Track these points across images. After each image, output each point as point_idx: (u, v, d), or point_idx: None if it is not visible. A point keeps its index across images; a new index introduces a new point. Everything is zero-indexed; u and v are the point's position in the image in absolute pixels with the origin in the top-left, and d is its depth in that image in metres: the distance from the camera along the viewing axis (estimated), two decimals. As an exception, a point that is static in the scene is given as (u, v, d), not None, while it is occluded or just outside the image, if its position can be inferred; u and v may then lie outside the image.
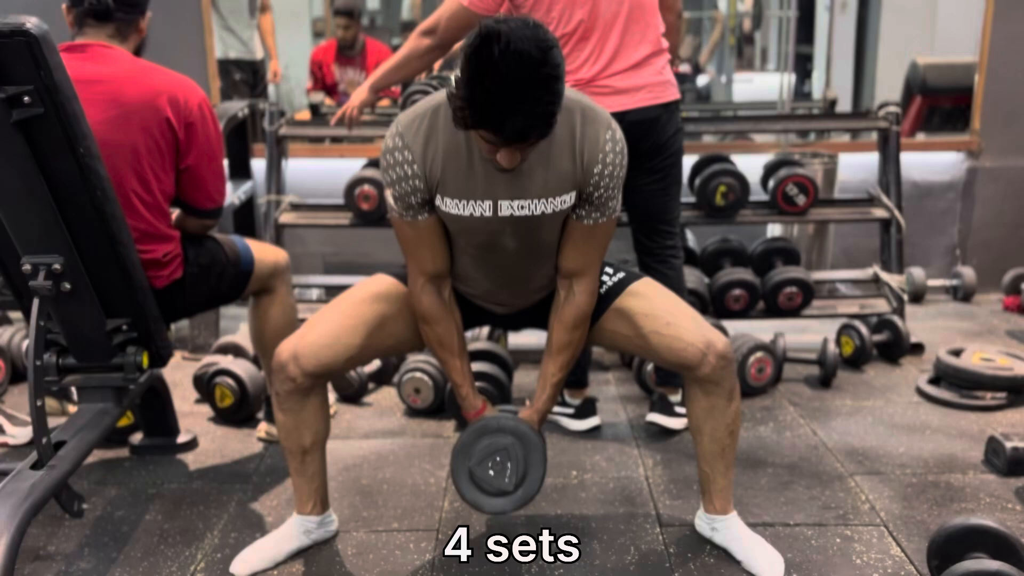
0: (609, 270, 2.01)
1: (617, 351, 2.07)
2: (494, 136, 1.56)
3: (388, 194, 1.81)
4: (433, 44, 2.55)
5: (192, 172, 2.16)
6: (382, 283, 1.99)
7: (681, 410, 2.69)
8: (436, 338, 1.93)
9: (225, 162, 3.71)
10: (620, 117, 2.37)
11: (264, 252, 2.45)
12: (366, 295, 1.96)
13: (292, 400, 1.92)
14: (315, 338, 1.89)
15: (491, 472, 1.86)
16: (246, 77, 4.93)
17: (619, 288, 1.97)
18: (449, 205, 1.78)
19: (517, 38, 1.48)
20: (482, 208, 1.76)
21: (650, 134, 2.47)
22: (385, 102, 4.97)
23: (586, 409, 2.74)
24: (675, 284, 2.63)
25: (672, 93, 2.50)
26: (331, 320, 1.92)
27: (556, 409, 2.78)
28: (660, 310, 1.92)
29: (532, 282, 1.96)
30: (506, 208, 1.77)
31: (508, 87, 1.48)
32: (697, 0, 6.89)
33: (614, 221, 1.87)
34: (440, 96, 1.75)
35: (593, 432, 2.72)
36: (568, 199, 1.78)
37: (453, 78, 1.57)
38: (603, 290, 1.97)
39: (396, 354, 2.05)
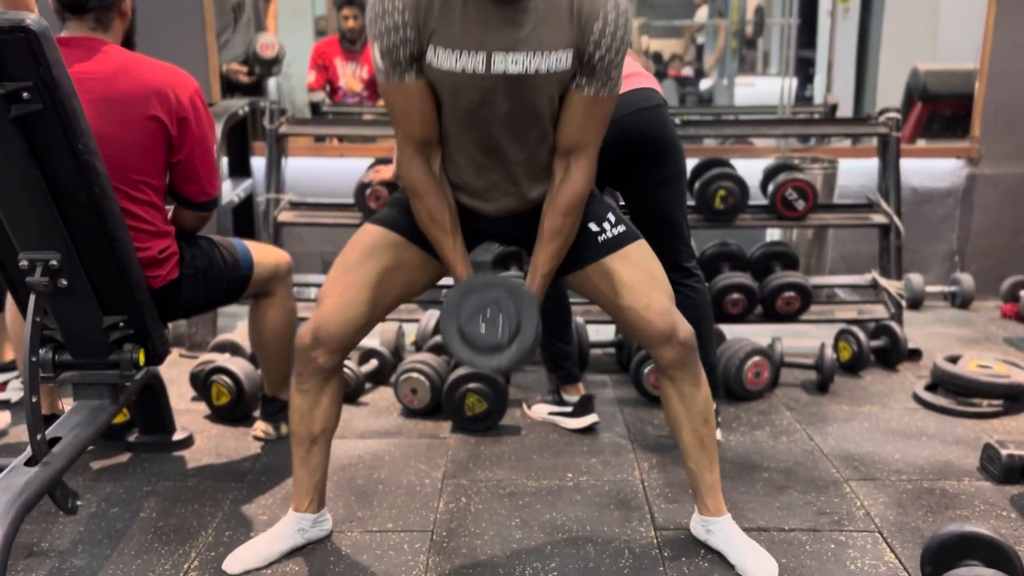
0: (612, 218, 1.97)
1: (590, 300, 2.05)
2: None
3: (376, 49, 1.73)
4: None
5: (184, 166, 2.15)
6: (371, 235, 1.95)
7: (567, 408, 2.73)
8: (427, 212, 1.86)
9: (224, 160, 3.73)
10: (627, 103, 2.34)
11: (265, 255, 2.44)
12: (360, 254, 1.93)
13: (313, 380, 1.93)
14: (328, 316, 1.88)
15: (483, 327, 1.76)
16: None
17: (615, 244, 1.94)
18: (440, 58, 1.71)
19: None
20: (475, 62, 1.71)
21: (655, 122, 2.41)
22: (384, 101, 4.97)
23: (584, 406, 2.74)
24: (705, 300, 2.58)
25: (659, 87, 2.52)
26: (337, 293, 1.90)
27: (554, 409, 2.78)
28: (644, 287, 1.91)
29: (523, 160, 1.87)
30: (499, 62, 1.71)
31: None
32: (689, 9, 6.90)
33: (615, 98, 1.81)
34: None
35: (589, 434, 2.72)
36: (564, 58, 1.73)
37: None
38: (600, 238, 1.94)
39: (407, 300, 2.01)
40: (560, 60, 1.73)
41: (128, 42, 2.19)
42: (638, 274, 1.93)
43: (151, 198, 2.13)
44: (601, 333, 3.50)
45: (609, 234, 1.95)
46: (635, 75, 2.45)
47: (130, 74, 2.05)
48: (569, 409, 2.76)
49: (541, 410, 2.82)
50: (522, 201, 1.93)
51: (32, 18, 1.71)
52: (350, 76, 4.90)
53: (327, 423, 2.00)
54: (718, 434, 2.66)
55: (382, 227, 1.96)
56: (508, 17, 1.69)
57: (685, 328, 1.91)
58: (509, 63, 1.71)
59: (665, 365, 1.94)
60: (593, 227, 1.94)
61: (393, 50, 1.71)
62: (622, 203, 3.00)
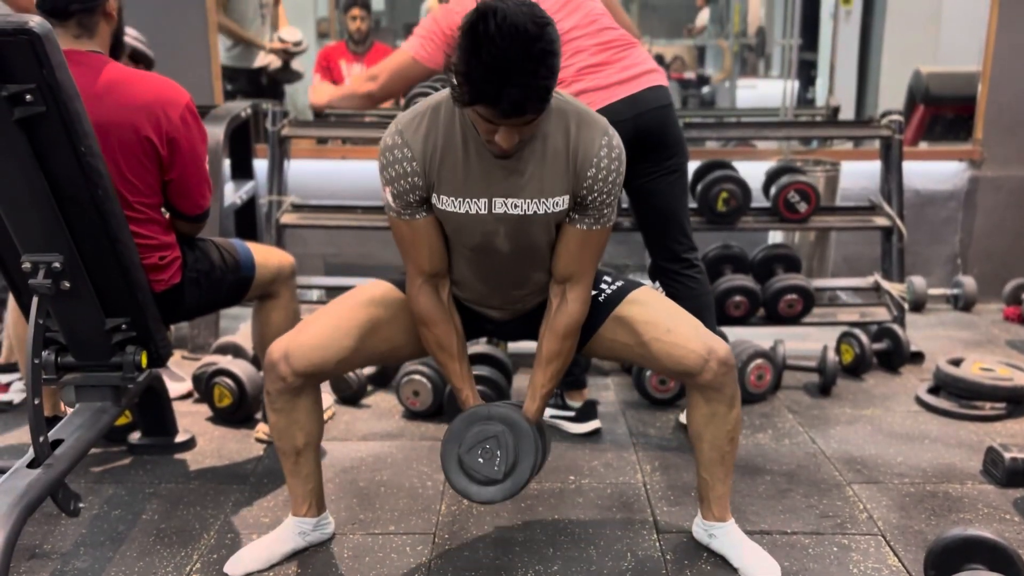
0: (608, 279, 2.00)
1: (617, 361, 2.06)
2: (491, 111, 1.57)
3: (386, 193, 1.81)
4: (371, 91, 2.66)
5: (176, 183, 2.13)
6: (379, 288, 1.99)
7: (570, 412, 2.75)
8: (435, 340, 1.92)
9: (227, 161, 3.73)
10: (640, 104, 2.43)
11: (268, 257, 2.44)
12: (362, 299, 1.96)
13: (283, 399, 1.92)
14: (307, 339, 1.89)
15: (480, 460, 1.82)
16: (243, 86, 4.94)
17: (618, 297, 1.96)
18: (445, 203, 1.78)
19: (513, 13, 1.51)
20: (477, 206, 1.77)
21: (668, 119, 2.50)
22: (388, 103, 4.99)
23: (587, 412, 2.74)
24: (707, 291, 2.63)
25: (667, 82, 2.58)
26: (324, 322, 1.92)
27: (556, 413, 2.78)
28: (660, 317, 1.92)
29: (525, 287, 1.95)
30: (500, 205, 1.77)
31: (505, 60, 1.50)
32: (691, 12, 6.92)
33: (608, 231, 1.87)
34: (439, 96, 1.77)
35: (591, 437, 2.72)
36: (561, 202, 1.78)
37: (452, 56, 1.58)
38: (602, 299, 1.96)
39: (390, 362, 2.05)
40: (557, 204, 1.79)
41: (116, 43, 2.14)
42: (650, 311, 1.93)
43: (149, 215, 2.12)
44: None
45: (609, 291, 1.98)
46: (649, 72, 2.50)
47: (118, 95, 2.01)
48: (571, 414, 2.75)
49: (545, 412, 2.81)
50: (526, 306, 2.00)
51: (35, 20, 1.72)
52: (355, 77, 4.91)
53: (308, 436, 1.99)
54: (682, 417, 2.70)
55: (393, 285, 2.00)
56: (509, 166, 1.74)
57: (722, 345, 1.88)
58: (509, 207, 1.78)
59: (704, 386, 1.90)
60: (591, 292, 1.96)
61: (404, 195, 1.78)
62: (624, 206, 3.01)
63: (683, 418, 2.71)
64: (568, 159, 1.75)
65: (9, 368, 2.90)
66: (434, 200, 1.79)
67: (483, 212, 1.78)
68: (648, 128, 2.45)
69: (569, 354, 1.93)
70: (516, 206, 1.77)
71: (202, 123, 2.16)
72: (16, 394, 2.89)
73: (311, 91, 2.88)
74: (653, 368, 2.00)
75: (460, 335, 1.95)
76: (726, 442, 1.97)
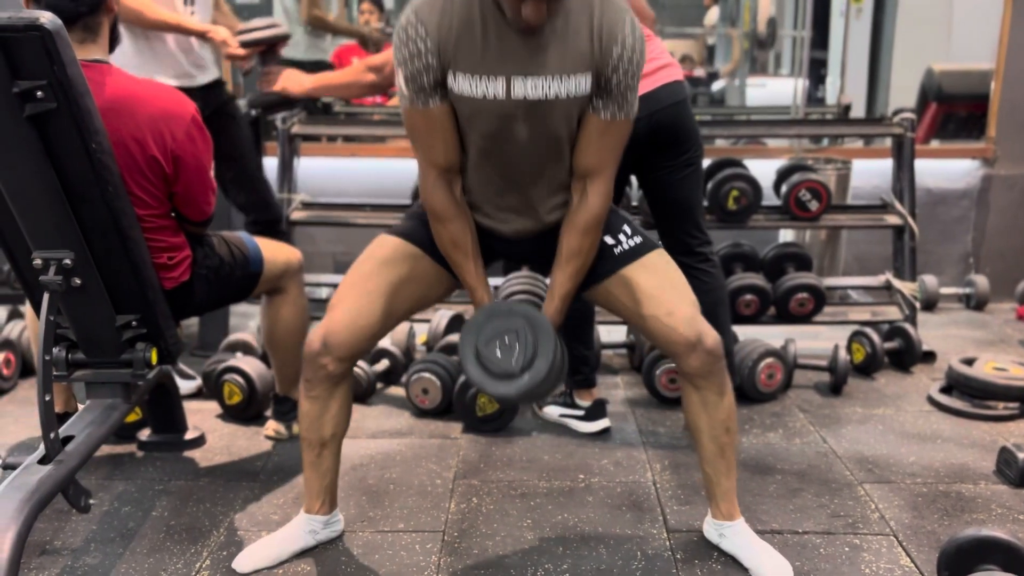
0: (627, 229, 1.97)
1: (612, 312, 2.05)
2: None
3: (399, 75, 1.77)
4: (376, 82, 2.65)
5: (181, 196, 2.13)
6: (387, 245, 1.97)
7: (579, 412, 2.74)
8: (449, 237, 1.88)
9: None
10: (656, 101, 2.41)
11: (276, 252, 2.44)
12: (375, 264, 1.94)
13: (322, 387, 1.93)
14: (339, 324, 1.88)
15: (498, 352, 1.78)
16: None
17: (633, 255, 1.94)
18: (461, 84, 1.74)
19: None
20: (495, 87, 1.73)
21: (683, 115, 2.50)
22: (395, 100, 5.00)
23: (596, 411, 2.73)
24: (722, 284, 2.63)
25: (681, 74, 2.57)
26: (350, 301, 1.91)
27: (565, 411, 2.77)
28: (665, 294, 1.90)
29: (541, 185, 1.90)
30: (519, 87, 1.73)
31: None
32: (700, 11, 6.88)
33: (630, 123, 1.83)
34: None
35: (601, 436, 2.71)
36: (584, 82, 1.75)
37: None
38: (617, 251, 1.94)
39: (419, 311, 2.03)
40: (579, 84, 1.75)
41: (114, 36, 2.13)
42: (658, 282, 1.92)
43: (158, 223, 2.12)
44: (613, 334, 3.49)
45: (625, 246, 1.95)
46: (667, 67, 2.49)
47: (123, 111, 1.99)
48: (581, 413, 2.75)
49: (552, 412, 2.81)
50: (539, 223, 1.95)
51: (47, 17, 1.72)
52: (353, 67, 4.91)
53: (337, 428, 1.99)
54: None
55: (399, 238, 1.97)
56: (528, 42, 1.71)
57: (712, 336, 1.88)
58: (528, 89, 1.73)
59: (691, 373, 1.91)
60: (608, 240, 1.94)
61: (417, 76, 1.74)
62: (635, 204, 3.00)
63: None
64: (592, 36, 1.72)
65: None
66: (449, 81, 1.75)
67: (500, 95, 1.74)
68: (663, 124, 2.45)
69: (590, 252, 1.89)
70: (536, 87, 1.73)
71: (207, 132, 2.15)
72: None
73: (283, 77, 2.80)
74: (643, 334, 1.98)
75: (474, 234, 1.91)
76: (723, 432, 1.96)
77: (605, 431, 2.73)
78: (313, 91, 2.81)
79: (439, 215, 1.88)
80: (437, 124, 1.80)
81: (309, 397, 1.95)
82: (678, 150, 2.51)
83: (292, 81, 2.79)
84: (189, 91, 2.90)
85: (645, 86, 2.41)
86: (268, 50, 2.90)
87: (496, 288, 2.03)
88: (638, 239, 1.97)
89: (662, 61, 2.49)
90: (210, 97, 2.99)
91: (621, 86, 1.76)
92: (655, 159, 2.49)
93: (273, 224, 3.17)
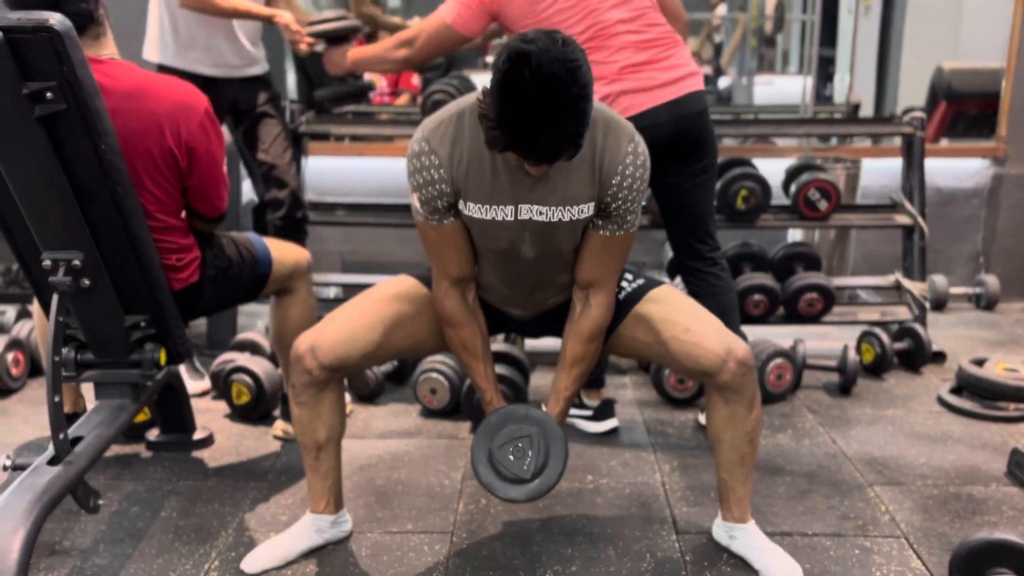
0: (628, 276, 2.00)
1: (636, 359, 2.06)
2: (525, 158, 1.62)
3: (414, 198, 1.82)
4: (407, 57, 2.63)
5: (195, 190, 2.14)
6: (404, 284, 2.00)
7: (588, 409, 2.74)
8: (460, 342, 1.93)
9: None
10: (681, 108, 2.41)
11: (285, 252, 2.44)
12: (387, 294, 1.97)
13: (308, 393, 1.93)
14: (333, 332, 1.90)
15: (511, 457, 1.83)
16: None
17: (638, 295, 1.96)
18: (472, 210, 1.79)
19: (547, 60, 1.50)
20: (503, 213, 1.78)
21: (705, 124, 2.49)
22: (404, 99, 5.00)
23: (604, 411, 2.73)
24: (731, 288, 2.63)
25: (704, 85, 2.55)
26: (350, 316, 1.93)
27: (573, 411, 2.77)
28: (680, 315, 1.91)
29: (549, 289, 1.96)
30: (526, 212, 1.78)
31: (540, 111, 1.52)
32: (706, 9, 6.85)
33: (632, 236, 1.87)
34: (465, 101, 1.77)
35: (609, 436, 2.70)
36: (587, 209, 1.79)
37: (481, 95, 1.61)
38: (621, 296, 1.96)
39: (414, 355, 2.08)
40: (582, 211, 1.79)
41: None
42: (671, 309, 1.93)
43: (169, 223, 2.12)
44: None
45: (629, 289, 1.98)
46: (690, 76, 2.47)
47: (138, 106, 2.00)
48: (589, 413, 2.74)
49: None
50: (549, 307, 2.02)
51: (56, 18, 1.72)
52: (383, 42, 4.94)
53: (331, 431, 2.00)
54: (701, 418, 2.67)
55: (418, 281, 2.01)
56: (536, 176, 1.74)
57: (742, 346, 1.87)
58: (535, 214, 1.79)
59: (723, 387, 1.89)
60: None
61: (431, 200, 1.79)
62: (644, 203, 2.99)
63: (702, 419, 2.69)
64: (594, 166, 1.75)
65: None
66: (461, 207, 1.80)
67: (509, 219, 1.79)
68: (686, 132, 2.44)
69: (593, 357, 1.93)
70: (541, 213, 1.78)
71: (219, 125, 2.16)
72: None
73: (325, 58, 2.81)
74: (672, 367, 1.99)
75: (485, 337, 1.96)
76: (746, 443, 1.95)
77: (613, 431, 2.72)
78: (353, 67, 2.81)
79: (451, 321, 1.92)
80: (450, 239, 1.85)
81: (297, 403, 1.96)
82: (695, 157, 2.50)
83: (332, 64, 2.81)
84: (230, 81, 2.91)
85: (671, 93, 2.41)
86: (335, 40, 2.88)
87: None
88: (640, 281, 2.00)
89: (689, 68, 2.47)
90: (252, 90, 3.00)
91: (620, 210, 1.80)
92: (672, 165, 2.48)
93: (300, 223, 3.16)
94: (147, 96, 2.02)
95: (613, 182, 1.76)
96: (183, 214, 2.20)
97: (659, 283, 2.00)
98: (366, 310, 1.94)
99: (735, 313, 2.62)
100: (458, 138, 1.75)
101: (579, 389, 1.97)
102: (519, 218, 1.79)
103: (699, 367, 1.87)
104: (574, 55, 1.53)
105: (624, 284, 1.98)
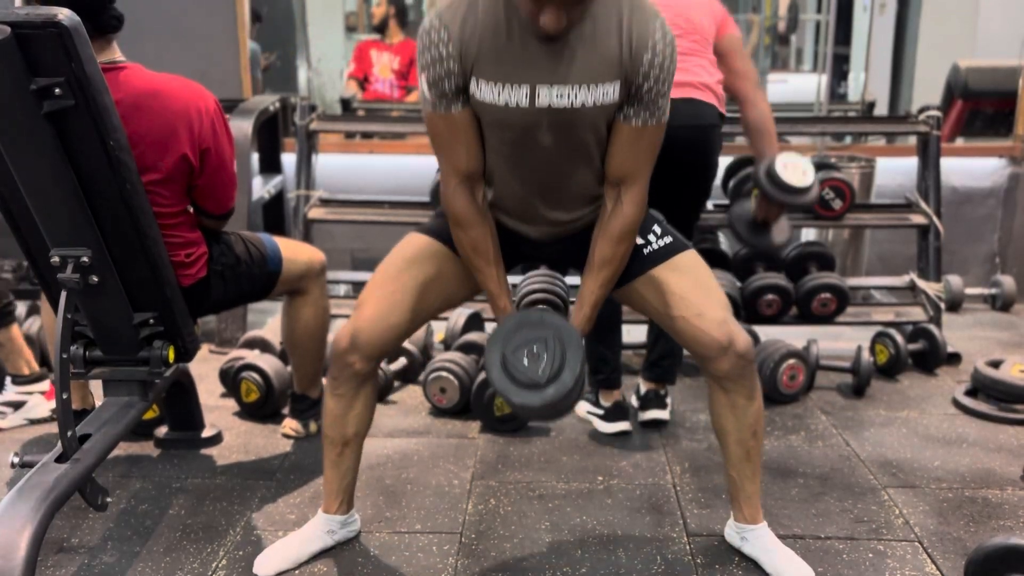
0: (657, 229, 1.94)
1: (641, 313, 2.02)
2: None
3: (422, 80, 1.74)
4: None
5: (203, 189, 2.13)
6: (416, 244, 1.96)
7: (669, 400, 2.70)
8: (470, 243, 1.86)
9: (255, 155, 3.73)
10: (683, 119, 2.36)
11: (297, 253, 2.43)
12: (404, 262, 1.93)
13: (348, 386, 1.92)
14: (367, 322, 1.87)
15: (525, 361, 1.76)
16: None
17: (662, 255, 1.90)
18: (484, 91, 1.71)
19: None
20: (518, 95, 1.70)
21: (708, 143, 2.47)
22: (416, 95, 4.99)
23: (615, 413, 2.70)
24: None
25: (722, 105, 2.49)
26: (378, 299, 1.89)
27: (591, 408, 2.75)
28: (695, 295, 1.86)
29: (568, 190, 1.87)
30: (544, 96, 1.70)
31: None
32: (732, 1, 6.80)
33: (663, 127, 1.78)
34: None
35: (620, 437, 2.68)
36: (611, 91, 1.70)
37: None
38: (646, 252, 1.91)
39: (446, 310, 2.01)
40: (607, 93, 1.70)
41: None
42: (688, 284, 1.88)
43: (178, 220, 2.12)
44: (633, 334, 3.45)
45: (655, 246, 1.92)
46: (692, 86, 2.45)
47: (155, 107, 1.99)
48: (601, 412, 2.72)
49: (581, 406, 2.78)
50: (567, 227, 1.93)
51: (64, 14, 1.71)
52: (383, 65, 4.96)
53: (360, 427, 1.98)
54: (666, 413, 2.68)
55: (427, 236, 1.96)
56: (554, 49, 1.67)
57: (744, 338, 1.85)
58: (554, 97, 1.69)
59: (721, 376, 1.87)
60: (639, 240, 1.91)
61: (439, 81, 1.71)
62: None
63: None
64: (621, 43, 1.68)
65: (25, 379, 2.84)
66: (472, 88, 1.72)
67: (524, 103, 1.70)
68: (690, 144, 2.42)
69: (623, 260, 1.86)
70: (561, 95, 1.69)
71: (228, 124, 2.15)
72: (32, 409, 2.77)
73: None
74: (673, 337, 1.95)
75: (495, 239, 1.88)
76: (750, 436, 1.93)
77: (624, 434, 2.70)
78: None
79: (460, 221, 1.85)
80: (459, 130, 1.77)
81: (335, 395, 1.94)
82: (700, 170, 2.50)
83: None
84: None
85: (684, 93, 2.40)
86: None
87: (514, 286, 2.00)
88: (668, 239, 1.93)
89: (700, 80, 2.47)
90: None
91: (652, 93, 1.71)
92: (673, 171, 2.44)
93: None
94: (158, 97, 2.01)
95: (645, 59, 1.67)
96: (190, 208, 2.19)
97: (686, 246, 1.94)
98: (390, 287, 1.89)
99: None
100: (471, 12, 1.68)
101: (606, 293, 1.88)
102: (536, 104, 1.69)
103: (698, 351, 1.86)
104: None
105: (651, 238, 1.92)
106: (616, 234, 1.82)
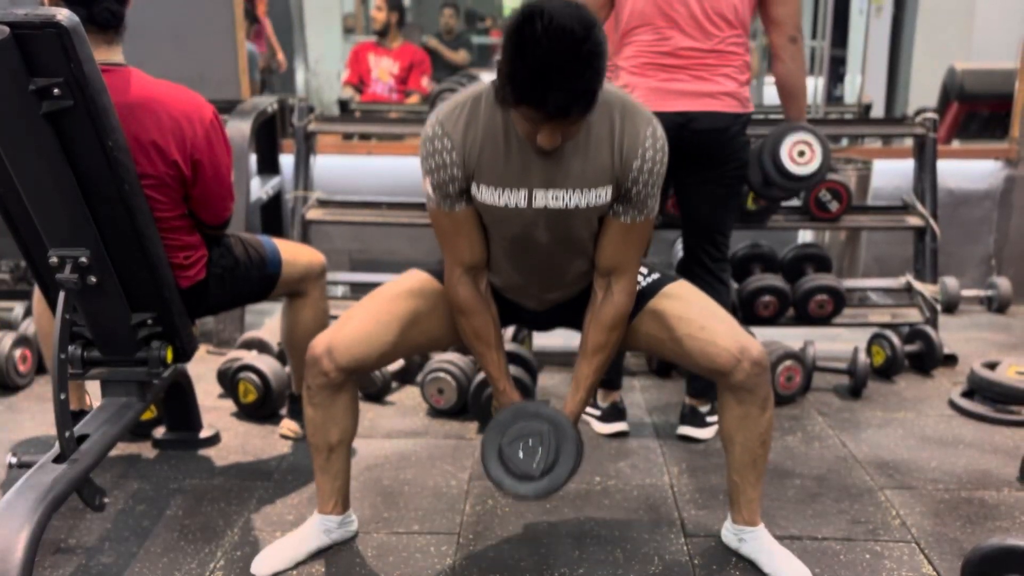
0: (644, 271, 1.98)
1: (650, 354, 2.04)
2: (536, 112, 1.57)
3: (426, 183, 1.80)
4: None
5: (198, 199, 2.13)
6: (416, 279, 1.99)
7: (712, 419, 2.65)
8: (472, 330, 1.91)
9: (253, 156, 3.73)
10: (687, 120, 2.40)
11: (297, 255, 2.42)
12: (400, 291, 1.96)
13: (323, 395, 1.92)
14: (349, 334, 1.88)
15: (521, 454, 1.81)
16: None
17: (653, 289, 1.94)
18: (485, 194, 1.77)
19: (560, 14, 1.50)
20: (517, 198, 1.76)
21: (718, 143, 2.46)
22: (414, 98, 4.99)
23: (612, 414, 2.71)
24: (723, 300, 2.60)
25: (744, 106, 2.47)
26: (365, 317, 1.91)
27: (589, 408, 2.75)
28: (695, 313, 1.89)
29: (563, 278, 1.93)
30: (541, 198, 1.76)
31: (550, 62, 1.50)
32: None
33: (652, 221, 1.85)
34: (479, 87, 1.76)
35: (618, 438, 2.69)
36: (604, 194, 1.76)
37: (498, 56, 1.59)
38: (637, 291, 1.93)
39: (430, 350, 2.06)
40: (600, 195, 1.77)
41: None
42: (685, 306, 1.91)
43: (176, 224, 2.11)
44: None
45: (644, 283, 1.95)
46: (715, 96, 2.43)
47: (148, 113, 1.98)
48: (599, 412, 2.73)
49: None
50: (563, 297, 1.99)
51: (64, 14, 1.71)
52: (383, 69, 4.96)
53: (343, 434, 1.99)
54: (710, 432, 2.65)
55: (429, 275, 1.99)
56: (550, 157, 1.73)
57: (757, 346, 1.85)
58: (550, 199, 1.76)
59: (736, 387, 1.87)
60: None
61: (443, 185, 1.77)
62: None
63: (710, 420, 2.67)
64: (613, 151, 1.73)
65: None
66: (473, 191, 1.78)
67: (523, 205, 1.76)
68: (695, 145, 2.43)
69: (615, 346, 1.90)
70: (557, 198, 1.75)
71: (226, 134, 2.14)
72: None
73: None
74: (686, 365, 1.96)
75: (497, 326, 1.93)
76: (758, 445, 1.93)
77: (622, 435, 2.70)
78: None
79: (463, 309, 1.89)
80: (463, 226, 1.83)
81: (311, 403, 1.94)
82: (703, 166, 2.49)
83: None
84: None
85: (686, 104, 2.41)
86: None
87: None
88: (655, 275, 1.98)
89: (724, 88, 2.46)
90: None
91: (641, 195, 1.78)
92: (680, 170, 2.47)
93: None
94: (153, 104, 2.00)
95: (634, 166, 1.74)
96: (188, 215, 2.19)
97: (675, 278, 1.98)
98: (381, 309, 1.92)
99: None
100: (472, 120, 1.73)
101: (600, 379, 1.94)
102: (533, 205, 1.76)
103: (713, 366, 1.86)
104: (588, 15, 1.53)
105: (640, 278, 1.96)
106: (608, 322, 1.87)
